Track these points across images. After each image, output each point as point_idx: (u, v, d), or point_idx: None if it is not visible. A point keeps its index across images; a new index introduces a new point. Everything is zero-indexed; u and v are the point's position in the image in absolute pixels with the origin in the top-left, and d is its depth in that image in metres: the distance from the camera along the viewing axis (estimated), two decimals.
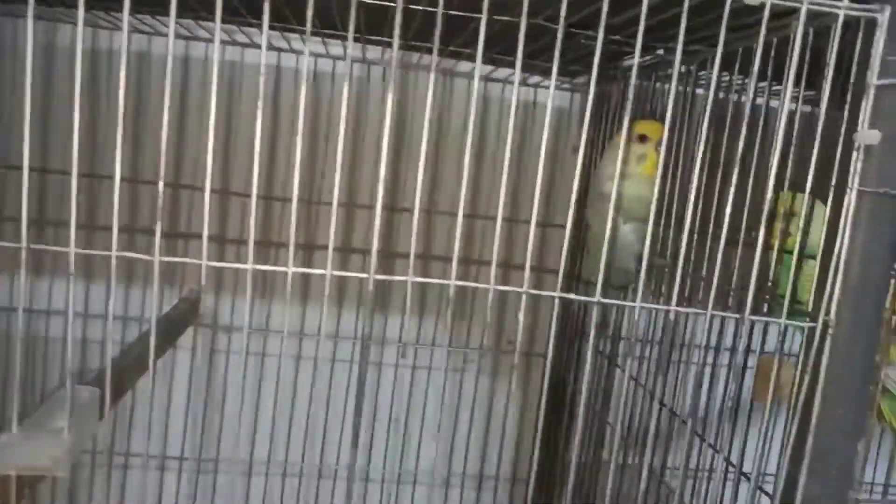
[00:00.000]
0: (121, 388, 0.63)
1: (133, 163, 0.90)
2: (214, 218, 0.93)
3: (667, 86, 0.73)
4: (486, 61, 0.87)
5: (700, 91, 0.68)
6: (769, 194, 0.45)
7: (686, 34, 0.62)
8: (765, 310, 0.53)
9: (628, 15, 0.47)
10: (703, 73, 0.68)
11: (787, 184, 0.52)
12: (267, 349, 0.98)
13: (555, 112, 0.98)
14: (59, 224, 0.89)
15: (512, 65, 0.90)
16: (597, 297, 0.44)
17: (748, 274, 0.57)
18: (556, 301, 0.44)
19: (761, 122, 0.54)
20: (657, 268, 0.69)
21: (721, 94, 0.67)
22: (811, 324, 0.47)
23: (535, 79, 0.92)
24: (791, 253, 0.54)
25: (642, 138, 0.71)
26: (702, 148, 0.45)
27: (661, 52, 0.71)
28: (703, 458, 0.58)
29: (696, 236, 0.63)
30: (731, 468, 0.55)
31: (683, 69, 0.70)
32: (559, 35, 0.40)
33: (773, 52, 0.53)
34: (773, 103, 0.55)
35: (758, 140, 0.54)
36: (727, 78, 0.66)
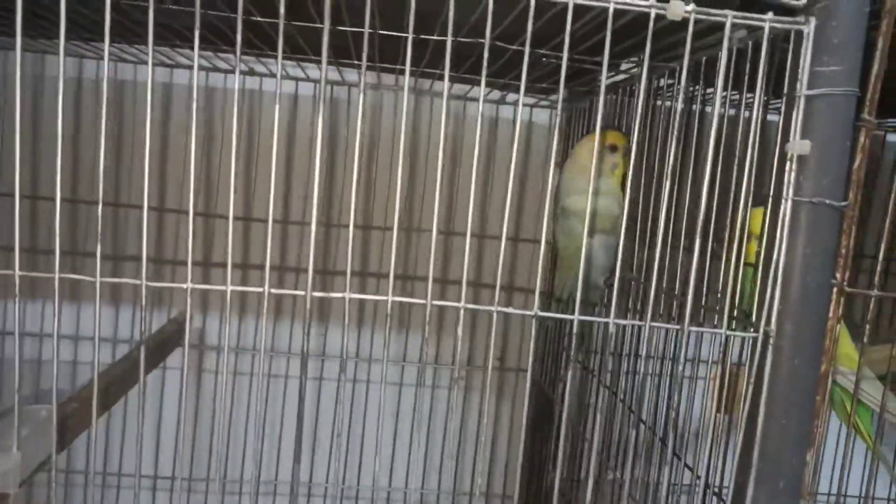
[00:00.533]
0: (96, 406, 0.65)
1: (116, 187, 0.93)
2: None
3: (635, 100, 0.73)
4: (457, 80, 0.89)
5: (670, 103, 0.69)
6: (703, 204, 0.46)
7: (640, 49, 0.63)
8: (715, 321, 0.53)
9: (557, 40, 0.48)
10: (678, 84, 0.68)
11: (730, 193, 0.52)
12: (280, 370, 0.99)
13: (538, 129, 0.99)
14: (49, 252, 0.91)
15: (489, 84, 0.91)
16: (534, 311, 0.45)
17: (707, 285, 0.57)
18: (493, 315, 0.44)
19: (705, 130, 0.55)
20: (625, 281, 0.70)
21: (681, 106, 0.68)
22: (753, 334, 0.47)
23: (513, 96, 0.93)
24: (749, 265, 0.54)
25: (613, 148, 0.71)
26: (633, 158, 0.45)
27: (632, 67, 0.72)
28: (663, 465, 0.58)
29: (657, 249, 0.63)
30: (688, 473, 0.55)
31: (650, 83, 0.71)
32: (485, 53, 0.41)
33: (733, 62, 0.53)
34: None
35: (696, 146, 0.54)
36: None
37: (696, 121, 0.59)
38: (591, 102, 0.85)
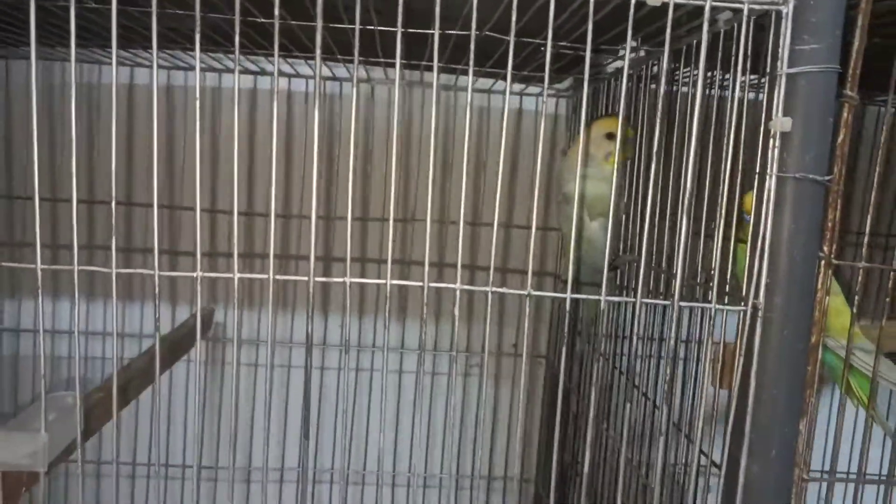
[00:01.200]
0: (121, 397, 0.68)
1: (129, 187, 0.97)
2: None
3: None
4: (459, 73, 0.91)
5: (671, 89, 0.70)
6: (688, 183, 0.47)
7: (637, 33, 0.65)
8: (709, 297, 0.55)
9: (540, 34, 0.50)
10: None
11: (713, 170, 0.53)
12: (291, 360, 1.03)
13: (544, 117, 1.00)
14: (62, 247, 0.95)
15: (495, 76, 0.93)
16: (527, 291, 0.46)
17: (704, 264, 0.58)
18: (489, 295, 0.46)
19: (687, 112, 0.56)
20: (626, 263, 0.71)
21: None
22: (742, 308, 0.48)
23: (517, 86, 0.95)
24: (744, 242, 0.55)
25: (610, 136, 0.72)
26: (618, 143, 0.47)
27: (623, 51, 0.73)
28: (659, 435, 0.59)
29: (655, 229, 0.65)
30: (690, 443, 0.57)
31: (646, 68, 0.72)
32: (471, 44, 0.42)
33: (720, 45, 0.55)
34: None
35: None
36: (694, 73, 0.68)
37: (689, 103, 0.60)
38: (595, 90, 0.87)
